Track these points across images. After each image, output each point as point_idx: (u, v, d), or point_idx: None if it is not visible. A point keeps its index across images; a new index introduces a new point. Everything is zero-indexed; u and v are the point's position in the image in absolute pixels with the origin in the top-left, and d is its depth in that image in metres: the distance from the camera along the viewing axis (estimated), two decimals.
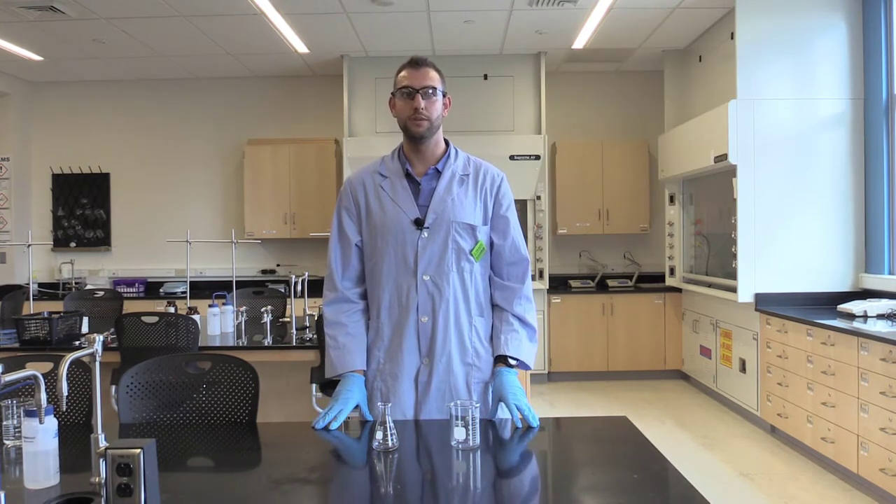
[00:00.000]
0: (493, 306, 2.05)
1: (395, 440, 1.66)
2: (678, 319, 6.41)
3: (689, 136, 5.64)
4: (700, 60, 5.88)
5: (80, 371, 2.06)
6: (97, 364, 1.41)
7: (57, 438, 1.49)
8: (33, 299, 4.89)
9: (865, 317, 4.08)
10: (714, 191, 5.56)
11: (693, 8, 5.17)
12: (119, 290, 6.29)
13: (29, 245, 4.47)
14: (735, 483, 3.86)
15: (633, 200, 6.71)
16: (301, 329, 4.10)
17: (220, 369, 2.06)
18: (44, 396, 1.38)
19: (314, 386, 3.60)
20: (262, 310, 4.00)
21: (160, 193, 7.11)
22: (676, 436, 4.77)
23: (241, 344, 3.83)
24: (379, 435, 1.66)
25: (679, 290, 6.34)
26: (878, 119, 4.68)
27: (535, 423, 1.84)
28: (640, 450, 1.70)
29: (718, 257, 5.53)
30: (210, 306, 4.12)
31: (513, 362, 1.97)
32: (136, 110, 7.11)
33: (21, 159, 6.97)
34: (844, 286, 4.77)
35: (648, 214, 6.74)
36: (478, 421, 1.66)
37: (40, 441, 1.46)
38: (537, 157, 6.17)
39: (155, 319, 3.58)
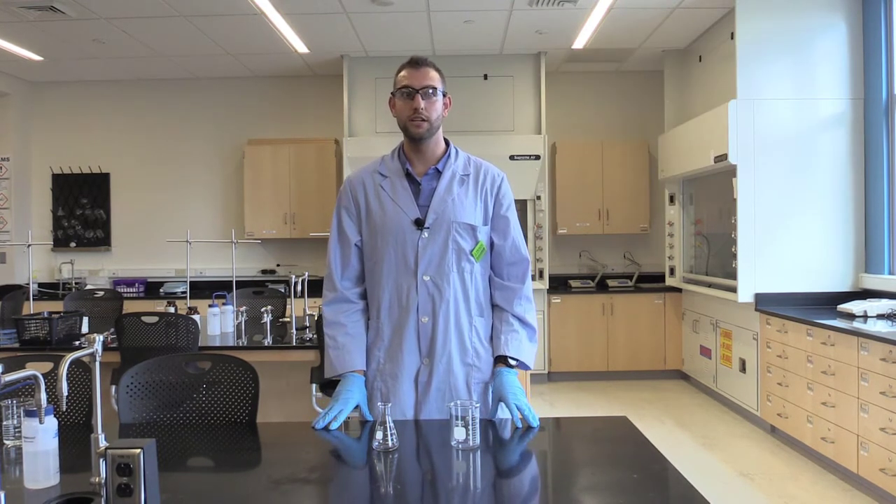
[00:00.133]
0: (493, 306, 2.05)
1: (395, 440, 1.66)
2: (678, 319, 6.41)
3: (689, 136, 5.64)
4: (700, 60, 5.88)
5: (80, 371, 2.06)
6: (97, 364, 1.41)
7: (57, 438, 1.49)
8: (33, 299, 4.89)
9: (865, 317, 4.08)
10: (714, 191, 5.56)
11: (693, 8, 5.17)
12: (119, 290, 6.29)
13: (29, 245, 4.47)
14: (735, 483, 3.86)
15: (633, 200, 6.71)
16: (301, 329, 4.10)
17: (220, 369, 2.06)
18: (44, 396, 1.38)
19: (314, 386, 3.60)
20: (262, 310, 4.00)
21: (160, 193, 7.11)
22: (676, 436, 4.77)
23: (241, 344, 3.83)
24: (379, 435, 1.66)
25: (679, 290, 6.34)
26: (878, 119, 4.68)
27: (535, 423, 1.84)
28: (640, 450, 1.70)
29: (718, 257, 5.53)
30: (210, 306, 4.12)
31: (513, 362, 1.97)
32: (136, 110, 7.11)
33: (21, 159, 6.97)
34: (844, 286, 4.77)
35: (648, 214, 6.74)
36: (478, 421, 1.66)
37: (40, 441, 1.46)
38: (537, 157, 6.17)
39: (155, 319, 3.58)
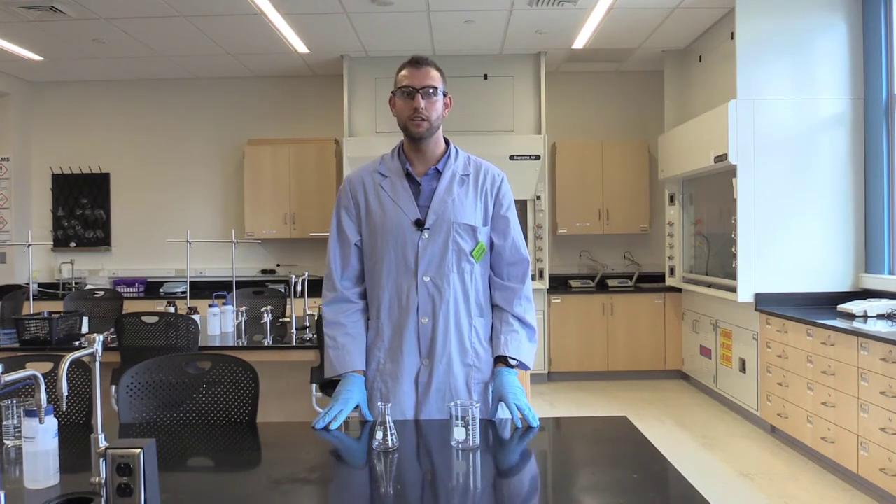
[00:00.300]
0: (493, 306, 2.05)
1: (395, 440, 1.66)
2: (678, 319, 6.41)
3: (689, 136, 5.64)
4: (700, 60, 5.88)
5: (80, 371, 2.06)
6: (97, 364, 1.41)
7: (57, 438, 1.49)
8: (33, 299, 4.89)
9: (865, 317, 4.08)
10: (714, 191, 5.56)
11: (693, 8, 5.17)
12: (119, 290, 6.29)
13: (29, 245, 4.47)
14: (735, 483, 3.86)
15: (633, 200, 6.71)
16: (301, 329, 4.10)
17: (220, 369, 2.06)
18: (44, 396, 1.38)
19: (314, 386, 3.61)
20: (262, 310, 4.00)
21: (160, 193, 7.11)
22: (676, 436, 4.77)
23: (241, 344, 3.83)
24: (379, 435, 1.66)
25: (679, 290, 6.34)
26: (878, 119, 4.68)
27: (535, 423, 1.84)
28: (640, 450, 1.70)
29: (718, 257, 5.53)
30: (210, 306, 4.12)
31: (512, 362, 1.97)
32: (136, 110, 7.11)
33: (21, 159, 6.97)
34: (844, 286, 4.77)
35: (648, 214, 6.74)
36: (478, 421, 1.66)
37: (40, 441, 1.46)
38: (537, 157, 6.17)
39: (155, 319, 3.58)
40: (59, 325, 3.76)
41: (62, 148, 7.09)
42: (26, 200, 7.04)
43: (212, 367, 2.07)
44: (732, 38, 4.92)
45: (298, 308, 4.63)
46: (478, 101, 6.31)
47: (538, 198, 6.19)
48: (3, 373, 1.29)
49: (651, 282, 6.75)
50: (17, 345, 3.71)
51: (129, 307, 5.18)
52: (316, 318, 3.73)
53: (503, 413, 1.93)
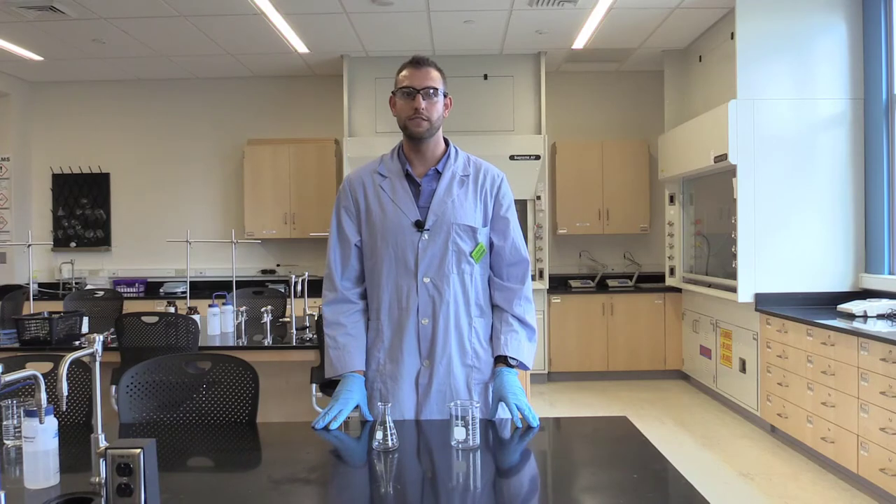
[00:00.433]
0: (493, 307, 2.05)
1: (395, 440, 1.66)
2: (678, 319, 6.41)
3: (689, 136, 5.64)
4: (700, 60, 5.88)
5: (80, 371, 2.06)
6: (97, 364, 1.41)
7: (57, 438, 1.49)
8: (33, 299, 4.89)
9: (865, 317, 4.08)
10: (714, 191, 5.56)
11: (693, 8, 5.17)
12: (119, 290, 6.29)
13: (29, 245, 4.47)
14: (735, 483, 3.86)
15: (633, 200, 6.71)
16: (301, 329, 4.10)
17: (220, 369, 2.06)
18: (44, 396, 1.38)
19: (314, 386, 3.61)
20: (262, 310, 4.00)
21: (160, 193, 7.11)
22: (676, 436, 4.77)
23: (241, 344, 3.83)
24: (379, 435, 1.66)
25: (679, 290, 6.34)
26: (878, 119, 4.68)
27: (535, 423, 1.84)
28: (640, 450, 1.70)
29: (718, 257, 5.53)
30: (210, 306, 4.12)
31: (512, 362, 1.97)
32: (136, 110, 7.11)
33: (21, 159, 6.97)
34: (844, 286, 4.77)
35: (648, 214, 6.74)
36: (478, 421, 1.66)
37: (40, 441, 1.46)
38: (537, 157, 6.17)
39: (155, 319, 3.58)
40: (59, 325, 3.76)
41: (62, 148, 7.09)
42: (26, 200, 7.04)
43: (212, 367, 2.07)
44: (732, 38, 4.92)
45: (298, 308, 4.63)
46: (478, 101, 6.31)
47: (538, 198, 6.19)
48: (3, 373, 1.29)
49: (651, 282, 6.75)
50: (17, 345, 3.71)
51: (129, 307, 5.19)
52: (316, 319, 3.73)
53: (503, 413, 1.93)
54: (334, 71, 6.62)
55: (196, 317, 3.76)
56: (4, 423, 1.76)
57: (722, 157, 4.89)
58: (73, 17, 5.11)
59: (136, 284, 6.87)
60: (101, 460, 1.30)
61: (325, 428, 1.82)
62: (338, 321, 2.00)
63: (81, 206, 7.08)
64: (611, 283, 6.76)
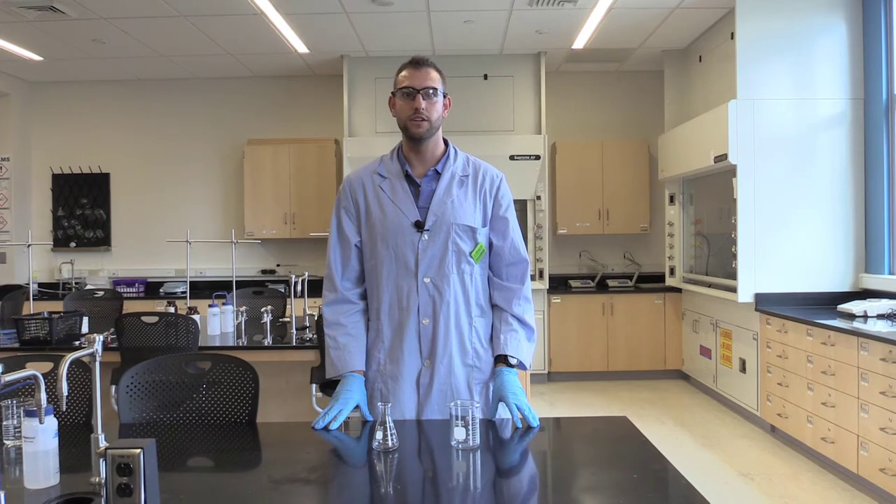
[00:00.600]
0: (493, 306, 2.05)
1: (395, 440, 1.66)
2: (678, 319, 6.41)
3: (689, 136, 5.64)
4: (700, 60, 5.88)
5: (80, 371, 2.06)
6: (97, 364, 1.41)
7: (57, 438, 1.49)
8: (33, 299, 4.89)
9: (865, 317, 4.08)
10: (714, 191, 5.56)
11: (693, 8, 5.17)
12: (119, 290, 6.29)
13: (29, 245, 4.47)
14: (735, 483, 3.86)
15: (633, 200, 6.71)
16: (301, 329, 4.10)
17: (220, 369, 2.06)
18: (44, 396, 1.38)
19: (314, 386, 3.60)
20: (262, 310, 4.00)
21: (160, 193, 7.11)
22: (676, 436, 4.77)
23: (241, 344, 3.83)
24: (379, 435, 1.66)
25: (679, 290, 6.34)
26: (878, 119, 4.68)
27: (535, 423, 1.84)
28: (640, 450, 1.70)
29: (718, 257, 5.53)
30: (210, 306, 4.12)
31: (512, 361, 1.97)
32: (136, 110, 7.11)
33: (21, 159, 6.97)
34: (844, 286, 4.77)
35: (648, 214, 6.74)
36: (478, 421, 1.66)
37: (40, 441, 1.46)
38: (537, 157, 6.17)
39: (155, 319, 3.58)
40: (59, 325, 3.76)
41: (62, 148, 7.09)
42: (26, 200, 7.04)
43: (212, 367, 2.07)
44: (732, 38, 4.92)
45: (298, 308, 4.63)
46: (478, 101, 6.31)
47: (538, 198, 6.19)
48: (3, 373, 1.29)
49: (651, 282, 6.75)
50: (17, 345, 3.71)
51: (129, 307, 5.19)
52: (316, 319, 3.73)
53: (503, 413, 1.94)
54: (334, 71, 6.62)
55: (196, 317, 3.76)
56: (4, 423, 1.76)
57: (722, 157, 4.89)
58: (73, 17, 5.11)
59: (136, 284, 6.88)
60: (101, 460, 1.30)
61: (325, 428, 1.82)
62: (338, 321, 2.00)
63: (81, 206, 7.08)
64: (611, 283, 6.76)
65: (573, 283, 6.72)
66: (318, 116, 7.02)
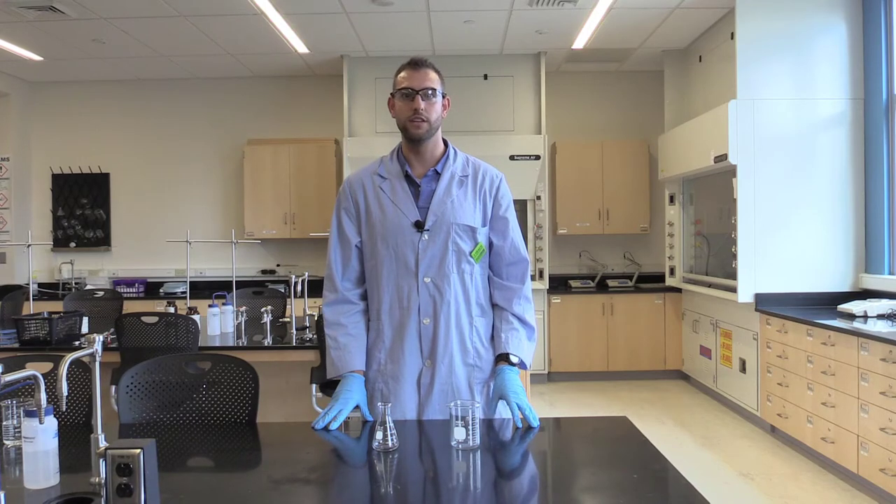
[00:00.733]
0: (493, 306, 2.05)
1: (395, 440, 1.66)
2: (678, 319, 6.41)
3: (689, 136, 5.64)
4: (700, 60, 5.88)
5: (80, 371, 2.06)
6: (97, 364, 1.41)
7: (57, 438, 1.49)
8: (33, 299, 4.89)
9: (865, 317, 4.08)
10: (714, 191, 5.56)
11: (693, 8, 5.17)
12: (119, 290, 6.29)
13: (29, 245, 4.47)
14: (735, 483, 3.86)
15: (633, 200, 6.71)
16: (301, 329, 4.10)
17: (220, 369, 2.06)
18: (44, 396, 1.38)
19: (314, 386, 3.61)
20: (262, 310, 4.00)
21: (160, 193, 7.11)
22: (676, 436, 4.77)
23: (241, 344, 3.83)
24: (379, 435, 1.66)
25: (679, 290, 6.34)
26: (878, 119, 4.68)
27: (536, 423, 1.84)
28: (640, 450, 1.70)
29: (718, 257, 5.53)
30: (210, 306, 4.12)
31: (514, 360, 1.97)
32: (136, 110, 7.11)
33: (21, 159, 6.97)
34: (844, 286, 4.77)
35: (648, 214, 6.74)
36: (478, 421, 1.66)
37: (40, 441, 1.46)
38: (537, 157, 6.17)
39: (155, 319, 3.58)
40: (59, 325, 3.76)
41: (62, 148, 7.09)
42: (26, 200, 7.04)
43: (212, 367, 2.07)
44: (732, 38, 4.92)
45: (298, 308, 4.63)
46: (478, 101, 6.31)
47: (538, 198, 6.19)
48: (3, 373, 1.29)
49: (651, 282, 6.75)
50: (17, 345, 3.71)
51: (129, 307, 5.19)
52: (316, 319, 3.73)
53: (504, 412, 1.93)
54: (334, 71, 6.62)
55: (196, 317, 3.76)
56: (4, 423, 1.76)
57: (722, 157, 4.89)
58: (73, 17, 5.11)
59: (136, 284, 6.87)
60: (101, 460, 1.30)
61: (325, 428, 1.82)
62: (338, 321, 2.01)
63: (81, 206, 7.08)
64: (611, 283, 6.76)
65: (573, 283, 6.72)
66: (318, 116, 7.02)
